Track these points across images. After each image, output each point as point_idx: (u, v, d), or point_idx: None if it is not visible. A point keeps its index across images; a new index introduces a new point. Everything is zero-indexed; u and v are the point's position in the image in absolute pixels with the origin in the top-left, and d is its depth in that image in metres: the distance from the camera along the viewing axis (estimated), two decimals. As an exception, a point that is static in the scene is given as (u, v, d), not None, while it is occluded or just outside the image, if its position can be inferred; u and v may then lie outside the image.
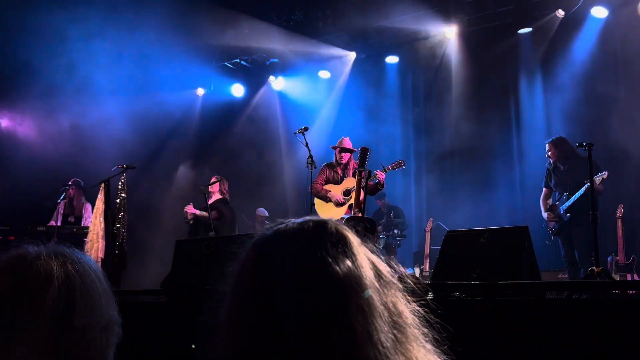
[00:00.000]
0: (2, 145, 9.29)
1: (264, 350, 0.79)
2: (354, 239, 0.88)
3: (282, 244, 0.86)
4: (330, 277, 0.81)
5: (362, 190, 5.79)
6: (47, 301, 1.03)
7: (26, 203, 8.51)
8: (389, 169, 6.15)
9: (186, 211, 7.52)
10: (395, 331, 0.82)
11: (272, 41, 9.07)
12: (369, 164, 5.80)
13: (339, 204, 6.32)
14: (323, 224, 0.89)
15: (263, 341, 0.80)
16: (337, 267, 0.82)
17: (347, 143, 6.52)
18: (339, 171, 6.47)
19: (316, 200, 6.47)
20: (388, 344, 0.80)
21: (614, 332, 2.65)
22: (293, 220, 0.91)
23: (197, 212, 7.41)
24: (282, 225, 0.90)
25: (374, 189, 6.30)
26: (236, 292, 0.86)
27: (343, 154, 6.45)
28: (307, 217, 0.91)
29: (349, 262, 0.83)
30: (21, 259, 1.08)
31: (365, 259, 0.86)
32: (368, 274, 0.84)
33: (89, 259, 1.16)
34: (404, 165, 6.24)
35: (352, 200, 6.13)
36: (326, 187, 6.44)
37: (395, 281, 0.89)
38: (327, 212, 6.35)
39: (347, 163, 6.46)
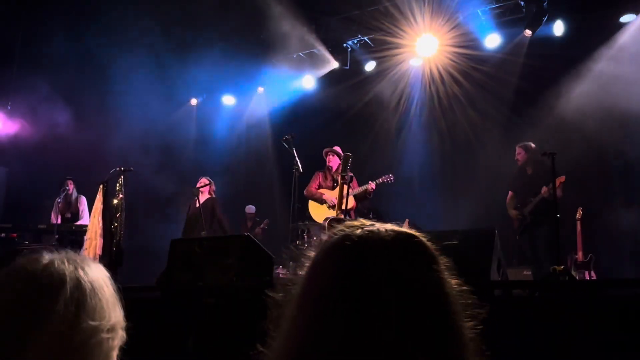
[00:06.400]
0: (5, 145, 9.10)
1: (341, 354, 0.72)
2: (438, 255, 0.84)
3: (377, 250, 0.80)
4: (421, 292, 0.76)
5: (345, 194, 5.83)
6: (59, 304, 1.01)
7: (28, 201, 8.37)
8: (379, 182, 6.28)
9: None
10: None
11: (260, 53, 9.05)
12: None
13: (331, 207, 6.39)
14: (416, 239, 0.84)
15: (341, 341, 0.73)
16: (429, 283, 0.78)
17: (337, 149, 6.67)
18: (329, 177, 6.60)
19: (310, 203, 6.60)
20: None
21: (575, 327, 2.66)
22: (380, 224, 0.85)
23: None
24: (374, 229, 0.83)
25: (362, 197, 6.42)
26: (317, 288, 0.79)
27: (330, 157, 6.59)
28: (395, 225, 0.85)
29: (437, 280, 0.80)
30: (36, 263, 1.07)
31: (447, 276, 0.82)
32: (452, 292, 0.80)
33: (98, 265, 1.14)
34: (392, 179, 6.31)
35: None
36: (320, 191, 6.56)
37: (464, 302, 0.83)
38: (321, 213, 6.46)
39: (337, 170, 6.47)
